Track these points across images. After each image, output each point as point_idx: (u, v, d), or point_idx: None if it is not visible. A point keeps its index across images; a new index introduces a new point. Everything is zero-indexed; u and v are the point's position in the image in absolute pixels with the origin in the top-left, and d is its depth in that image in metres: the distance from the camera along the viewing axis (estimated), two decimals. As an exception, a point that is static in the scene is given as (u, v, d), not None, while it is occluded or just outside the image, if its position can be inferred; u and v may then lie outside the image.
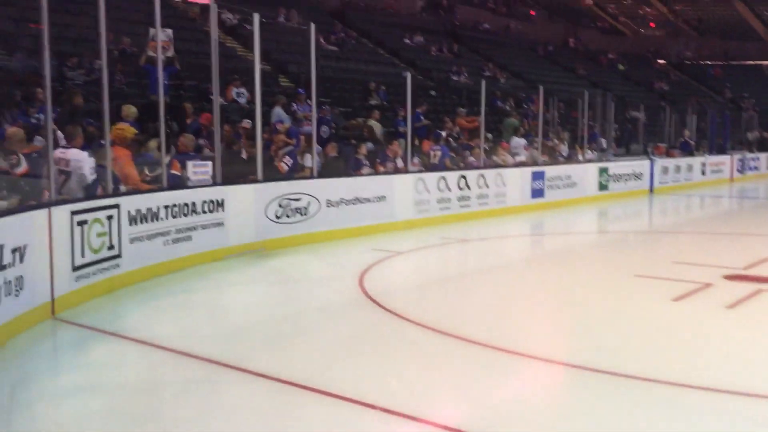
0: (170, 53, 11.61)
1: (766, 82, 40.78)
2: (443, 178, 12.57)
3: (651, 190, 18.73)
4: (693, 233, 12.27)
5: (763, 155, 25.56)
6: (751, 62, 41.56)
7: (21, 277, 5.46)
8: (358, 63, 22.44)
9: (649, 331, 5.87)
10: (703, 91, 38.10)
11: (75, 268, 6.37)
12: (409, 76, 12.59)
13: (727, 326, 6.06)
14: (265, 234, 9.49)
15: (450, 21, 32.53)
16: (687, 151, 21.00)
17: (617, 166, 17.81)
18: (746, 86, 38.54)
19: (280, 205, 9.68)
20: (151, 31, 11.03)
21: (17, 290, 5.42)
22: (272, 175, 10.18)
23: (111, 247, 6.90)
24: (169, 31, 11.84)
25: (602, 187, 16.99)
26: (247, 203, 9.34)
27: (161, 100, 8.27)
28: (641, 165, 18.79)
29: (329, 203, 10.38)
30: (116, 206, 6.98)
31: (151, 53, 10.98)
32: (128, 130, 8.30)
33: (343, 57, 22.17)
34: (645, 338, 5.68)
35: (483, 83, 14.49)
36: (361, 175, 11.67)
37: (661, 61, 40.81)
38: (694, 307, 6.61)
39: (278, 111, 13.00)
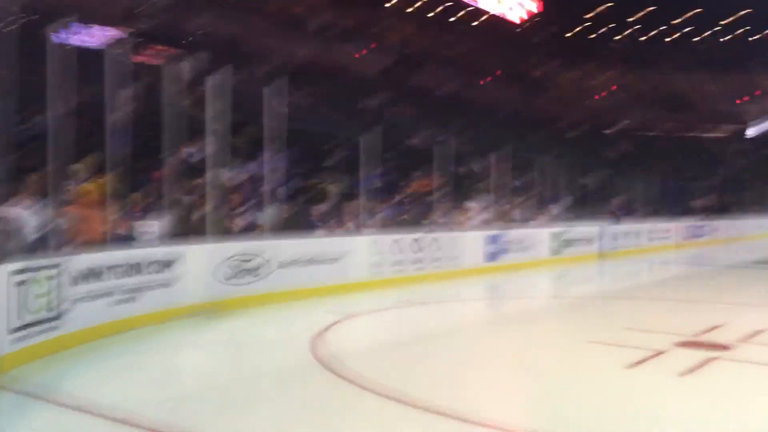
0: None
1: (707, 152, 42.48)
2: (398, 240, 12.54)
3: (601, 255, 19.01)
4: (644, 299, 12.40)
5: (707, 223, 26.32)
6: (694, 133, 43.31)
7: (-48, 340, 5.16)
8: (314, 124, 22.58)
9: (603, 400, 5.80)
10: (649, 161, 39.40)
11: (12, 330, 6.05)
12: (364, 137, 12.67)
13: (681, 395, 6.03)
14: (216, 295, 9.25)
15: (407, 85, 33.21)
16: (615, 220, 20.92)
17: (569, 231, 18.08)
18: (690, 156, 40.06)
19: (233, 265, 9.48)
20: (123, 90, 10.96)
21: (-54, 355, 5.10)
22: (225, 234, 9.99)
23: (51, 309, 6.59)
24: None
25: (555, 251, 17.18)
26: (198, 263, 9.12)
27: (110, 157, 8.10)
28: (592, 231, 19.11)
29: (283, 264, 10.21)
30: (58, 266, 6.71)
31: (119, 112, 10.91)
32: (96, 190, 8.06)
33: (299, 117, 22.28)
34: (600, 407, 5.61)
35: (438, 147, 14.67)
36: (316, 235, 11.56)
37: (610, 130, 42.23)
38: (647, 374, 6.58)
39: (226, 171, 12.83)
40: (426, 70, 37.11)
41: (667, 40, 50.88)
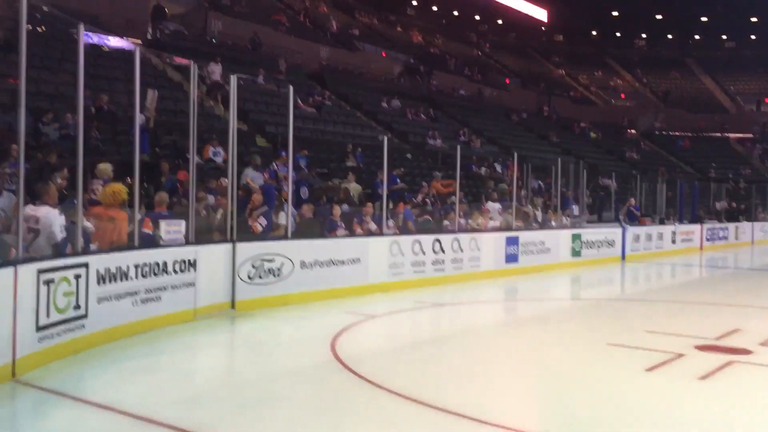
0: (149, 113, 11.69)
1: (732, 153, 41.97)
2: (418, 241, 12.58)
3: (623, 257, 18.90)
4: (665, 302, 12.34)
5: (731, 225, 26.05)
6: (718, 134, 42.78)
7: (-18, 337, 5.29)
8: (335, 125, 22.70)
9: (622, 402, 5.82)
10: (672, 162, 39.04)
11: (39, 329, 6.20)
12: (385, 139, 12.73)
13: (700, 398, 6.03)
14: (237, 295, 9.36)
15: (426, 86, 33.20)
16: (633, 220, 20.72)
17: (590, 233, 18.00)
18: (713, 157, 39.58)
19: (253, 266, 9.59)
20: (150, 93, 11.18)
21: (-23, 351, 5.24)
22: (246, 235, 10.11)
23: (77, 307, 6.73)
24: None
25: (575, 253, 17.12)
26: (220, 263, 9.24)
27: (136, 157, 8.22)
28: (613, 232, 19.00)
29: (303, 265, 10.30)
30: (85, 265, 6.85)
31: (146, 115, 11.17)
32: (123, 190, 8.18)
33: (320, 119, 22.42)
34: (619, 409, 5.62)
35: (458, 148, 14.68)
36: (336, 236, 11.63)
37: (631, 131, 41.86)
38: (666, 378, 6.58)
39: (248, 171, 12.99)
40: (446, 71, 37.08)
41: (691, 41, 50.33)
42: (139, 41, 20.25)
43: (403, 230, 13.26)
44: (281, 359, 7.44)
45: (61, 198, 7.91)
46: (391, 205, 13.55)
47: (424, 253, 12.64)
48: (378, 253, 11.72)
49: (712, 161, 38.64)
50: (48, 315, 6.30)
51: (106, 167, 9.74)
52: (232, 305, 9.33)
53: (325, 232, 11.73)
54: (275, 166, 14.00)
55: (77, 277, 6.72)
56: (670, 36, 51.28)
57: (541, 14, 46.12)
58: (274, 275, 9.87)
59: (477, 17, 48.74)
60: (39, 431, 5.02)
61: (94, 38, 17.25)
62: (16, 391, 5.75)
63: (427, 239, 12.83)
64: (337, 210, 12.30)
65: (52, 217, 6.83)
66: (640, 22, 49.40)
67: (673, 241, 21.71)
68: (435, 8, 46.53)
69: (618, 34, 51.56)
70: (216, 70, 19.34)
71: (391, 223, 13.07)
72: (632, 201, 21.63)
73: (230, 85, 9.70)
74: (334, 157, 19.04)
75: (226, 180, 11.38)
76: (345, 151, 19.00)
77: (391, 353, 7.87)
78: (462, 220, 14.56)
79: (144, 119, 11.34)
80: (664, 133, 42.83)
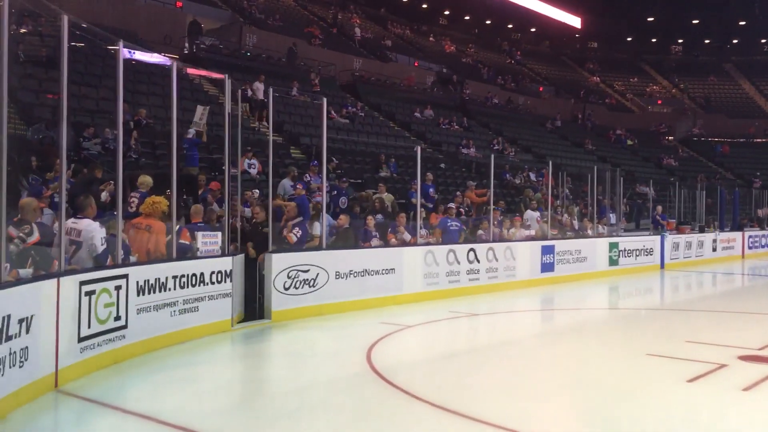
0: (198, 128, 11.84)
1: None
2: (452, 251, 12.54)
3: (662, 265, 18.59)
4: (705, 311, 12.10)
5: (773, 232, 25.46)
6: (759, 140, 41.90)
7: (26, 348, 5.41)
8: (369, 136, 22.79)
9: (664, 414, 5.70)
10: (711, 168, 38.33)
11: (80, 339, 6.32)
12: (419, 148, 12.73)
13: (744, 410, 5.89)
14: (272, 305, 9.43)
15: (459, 95, 33.15)
16: (657, 227, 20.25)
17: (627, 242, 17.75)
18: (755, 163, 38.76)
19: (289, 276, 9.65)
20: (199, 108, 11.37)
21: (22, 361, 5.35)
22: (281, 246, 10.19)
23: (118, 318, 6.85)
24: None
25: (612, 262, 16.89)
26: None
27: (174, 170, 8.34)
28: (652, 240, 18.72)
29: (338, 275, 10.33)
30: (125, 276, 6.97)
31: (196, 129, 11.35)
32: (163, 202, 8.33)
33: (354, 130, 22.53)
34: (660, 421, 5.52)
35: (492, 157, 14.61)
36: (370, 246, 11.65)
37: (669, 138, 41.23)
38: (709, 389, 6.45)
39: (285, 183, 13.10)
40: (479, 80, 36.99)
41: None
42: (177, 56, 20.59)
43: (444, 239, 13.17)
44: (317, 369, 7.46)
45: (102, 208, 8.07)
46: (424, 215, 13.51)
47: (458, 262, 12.59)
48: (412, 262, 11.71)
49: (752, 167, 37.86)
50: (89, 326, 6.42)
51: (146, 179, 9.91)
52: (269, 316, 9.40)
53: (359, 243, 11.75)
54: (308, 177, 14.12)
55: (117, 288, 6.84)
56: (707, 41, 50.49)
57: (575, 21, 45.78)
58: (310, 285, 9.92)
59: (510, 26, 48.58)
60: (81, 440, 5.11)
61: (133, 54, 17.59)
62: (59, 400, 5.86)
63: (461, 249, 12.78)
64: (371, 220, 12.32)
65: (93, 230, 6.96)
66: (676, 28, 48.76)
67: (714, 249, 21.30)
68: (467, 18, 46.51)
69: (654, 40, 50.95)
70: (260, 87, 19.45)
71: (424, 232, 13.04)
72: (659, 209, 21.27)
73: (268, 98, 9.81)
74: (368, 167, 19.11)
75: (257, 191, 11.53)
76: (378, 161, 19.06)
77: (426, 363, 7.84)
78: (497, 230, 14.46)
79: (194, 133, 11.55)
80: (702, 139, 42.12)
